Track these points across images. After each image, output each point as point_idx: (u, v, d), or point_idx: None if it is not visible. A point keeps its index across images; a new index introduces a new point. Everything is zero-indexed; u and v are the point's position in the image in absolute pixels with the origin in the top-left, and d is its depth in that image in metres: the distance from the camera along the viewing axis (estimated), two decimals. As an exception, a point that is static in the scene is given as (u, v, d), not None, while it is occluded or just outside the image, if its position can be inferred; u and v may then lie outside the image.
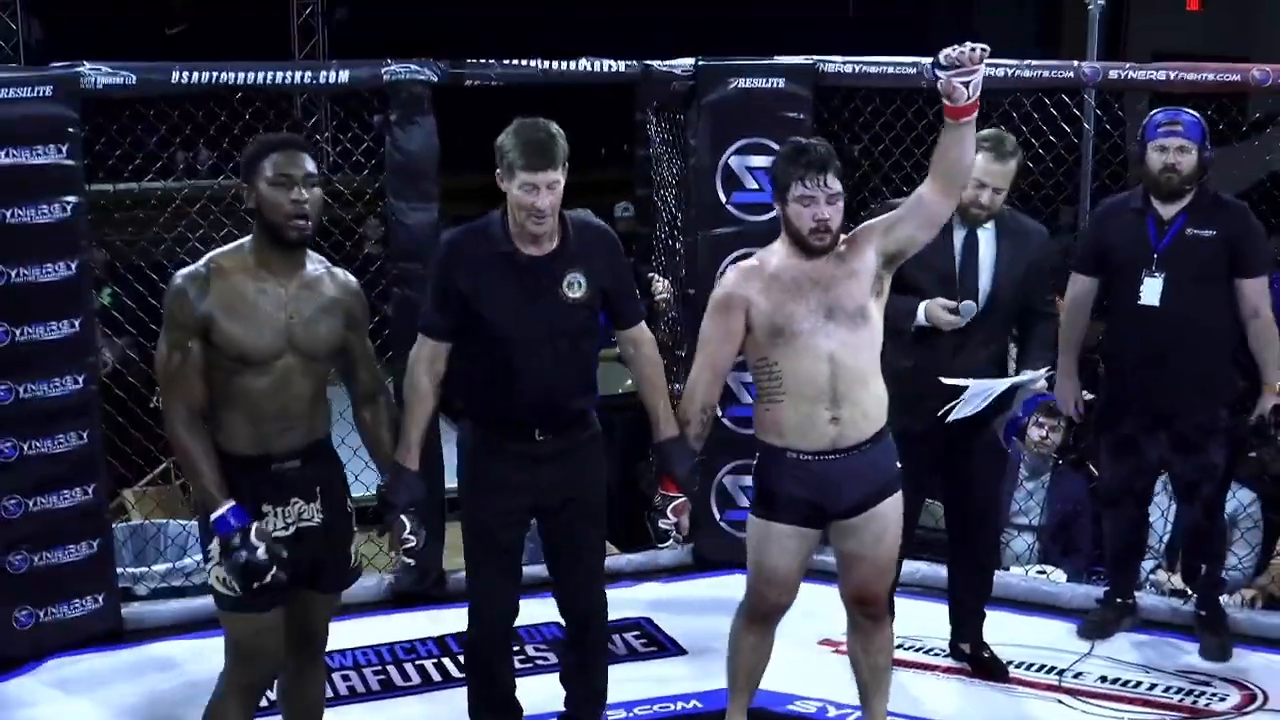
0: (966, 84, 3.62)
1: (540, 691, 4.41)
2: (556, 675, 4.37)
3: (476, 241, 3.86)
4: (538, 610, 4.51)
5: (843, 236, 3.87)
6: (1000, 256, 4.54)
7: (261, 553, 3.40)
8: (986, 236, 4.55)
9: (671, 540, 4.08)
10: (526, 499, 3.96)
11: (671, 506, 3.98)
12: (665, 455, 4.00)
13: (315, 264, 3.63)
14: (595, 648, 4.21)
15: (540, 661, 4.86)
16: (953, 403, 4.39)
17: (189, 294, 3.45)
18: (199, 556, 4.18)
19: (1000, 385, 4.46)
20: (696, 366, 3.99)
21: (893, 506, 3.95)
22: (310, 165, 3.49)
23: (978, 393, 4.40)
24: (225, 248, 3.57)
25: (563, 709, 4.29)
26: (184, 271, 3.51)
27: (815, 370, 3.79)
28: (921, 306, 4.45)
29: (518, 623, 4.13)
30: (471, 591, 4.10)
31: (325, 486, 3.63)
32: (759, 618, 4.06)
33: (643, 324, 4.05)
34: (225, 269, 3.49)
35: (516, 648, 4.93)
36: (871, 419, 3.87)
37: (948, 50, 3.61)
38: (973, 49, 3.59)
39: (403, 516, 3.79)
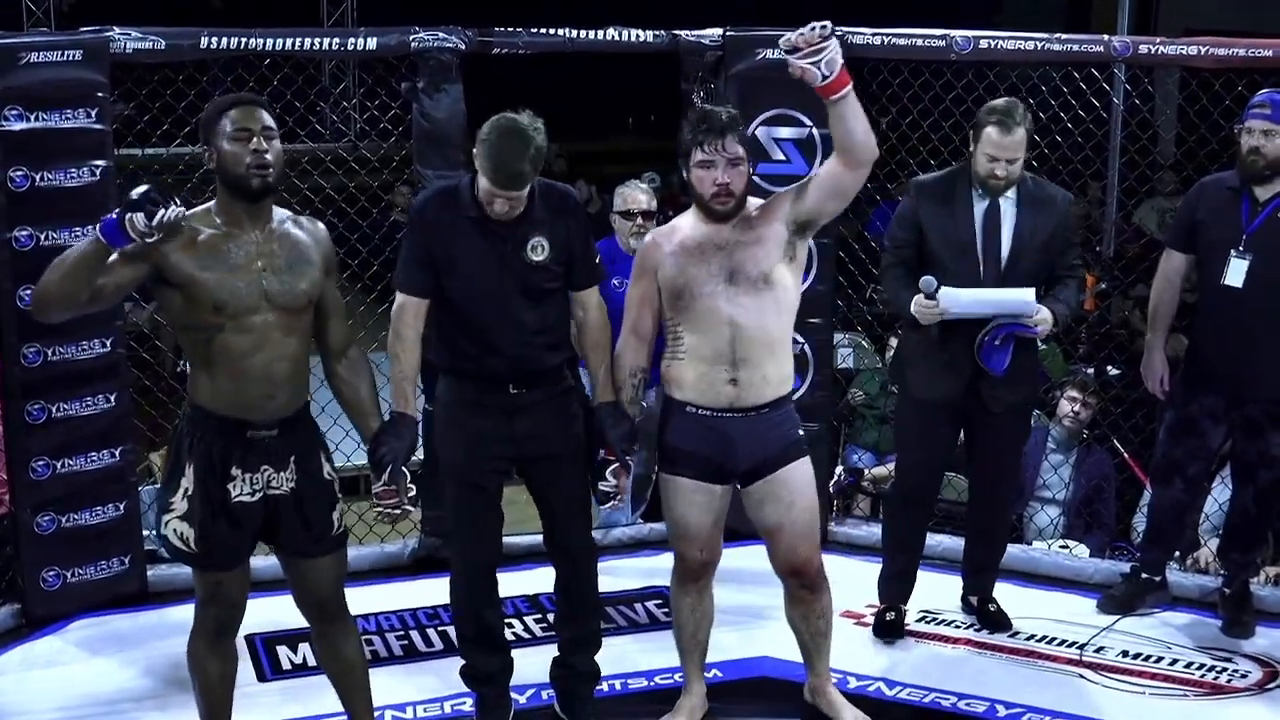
0: (817, 64, 3.61)
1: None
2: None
3: (446, 204, 3.96)
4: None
5: (759, 202, 3.93)
6: (1021, 224, 4.55)
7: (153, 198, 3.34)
8: (1008, 205, 4.56)
9: (613, 503, 4.08)
10: (505, 449, 4.03)
11: (610, 469, 4.03)
12: (601, 420, 4.05)
13: (282, 216, 3.64)
14: (584, 590, 4.24)
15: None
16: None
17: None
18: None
19: (993, 297, 4.47)
20: (623, 332, 4.05)
21: (798, 472, 3.98)
22: (268, 119, 3.52)
23: (970, 309, 4.44)
24: (192, 210, 3.56)
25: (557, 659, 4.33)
26: None
27: (715, 333, 3.85)
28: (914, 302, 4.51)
29: (530, 591, 4.09)
30: (456, 535, 4.16)
31: (300, 455, 3.64)
32: (688, 577, 4.11)
33: (595, 289, 4.10)
34: (197, 227, 3.50)
35: (538, 615, 4.98)
36: (773, 384, 3.91)
37: (786, 35, 3.62)
38: (811, 29, 3.59)
39: (404, 468, 3.78)
